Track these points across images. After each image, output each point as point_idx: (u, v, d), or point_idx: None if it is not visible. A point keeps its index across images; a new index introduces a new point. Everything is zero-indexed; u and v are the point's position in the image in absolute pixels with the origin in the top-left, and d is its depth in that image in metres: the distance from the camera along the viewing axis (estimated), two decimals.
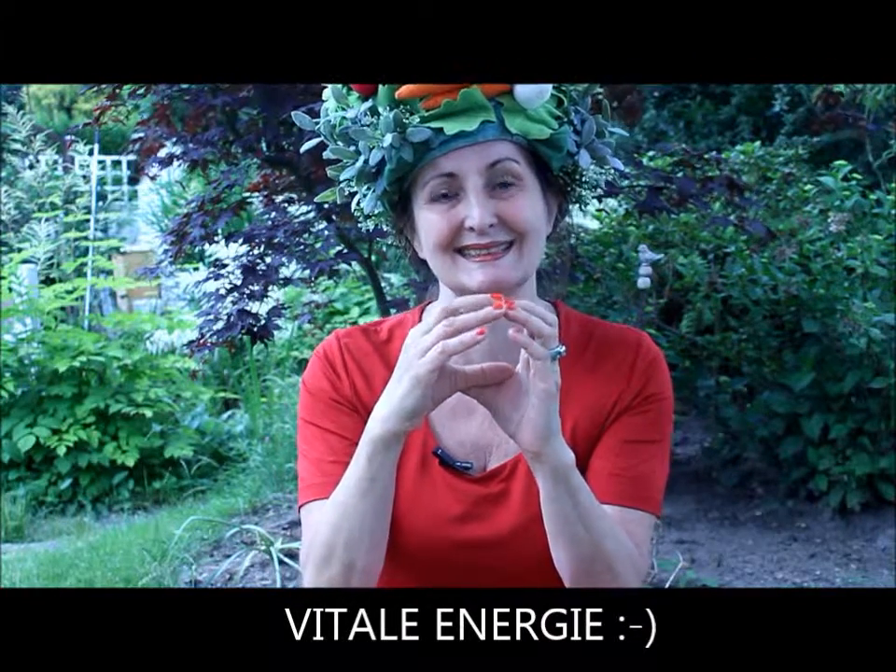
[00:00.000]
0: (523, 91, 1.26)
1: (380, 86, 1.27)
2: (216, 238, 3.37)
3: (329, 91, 1.33)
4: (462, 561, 1.37)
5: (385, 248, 3.64)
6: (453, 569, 1.37)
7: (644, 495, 1.38)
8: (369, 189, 1.34)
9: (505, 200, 1.28)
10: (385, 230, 1.42)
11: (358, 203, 1.36)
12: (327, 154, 1.34)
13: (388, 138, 1.26)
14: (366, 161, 1.29)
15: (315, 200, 1.46)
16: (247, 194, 3.64)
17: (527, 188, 1.30)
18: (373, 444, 1.26)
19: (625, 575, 1.31)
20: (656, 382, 1.39)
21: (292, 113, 1.38)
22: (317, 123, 1.34)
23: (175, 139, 3.40)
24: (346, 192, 1.38)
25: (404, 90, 1.26)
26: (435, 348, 1.19)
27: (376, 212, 1.37)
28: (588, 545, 1.28)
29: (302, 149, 1.40)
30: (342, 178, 1.34)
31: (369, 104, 1.29)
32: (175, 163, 3.40)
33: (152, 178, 3.86)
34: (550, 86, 1.27)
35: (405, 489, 1.38)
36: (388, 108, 1.27)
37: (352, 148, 1.31)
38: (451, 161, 1.27)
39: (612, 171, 1.36)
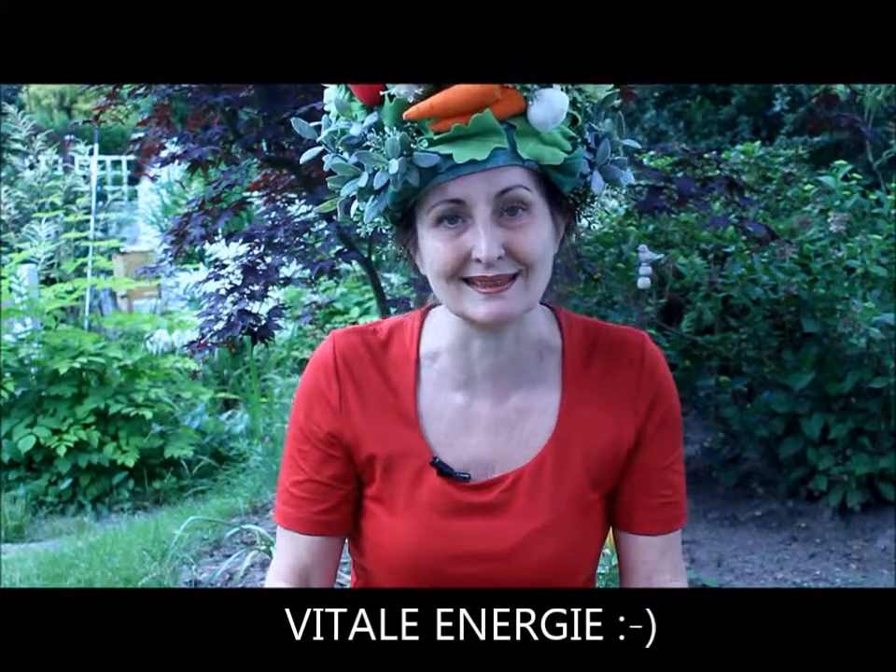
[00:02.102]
0: (537, 114, 1.21)
1: (386, 101, 1.22)
2: (216, 238, 3.38)
3: (330, 97, 1.29)
4: (461, 574, 1.34)
5: (385, 257, 3.64)
6: (451, 583, 1.34)
7: (680, 511, 1.41)
8: (370, 202, 1.29)
9: (513, 229, 1.24)
10: (384, 232, 1.38)
11: (359, 209, 1.31)
12: (327, 166, 1.29)
13: (395, 164, 1.21)
14: (370, 178, 1.25)
15: (316, 210, 1.43)
16: (247, 193, 3.65)
17: (536, 214, 1.25)
18: None
19: None
20: (666, 392, 1.38)
21: (291, 120, 1.32)
22: (318, 129, 1.30)
23: (175, 139, 3.41)
24: (345, 205, 1.33)
25: (412, 111, 1.20)
26: None
27: (376, 221, 1.33)
28: None
29: (302, 159, 1.34)
30: (342, 194, 1.29)
31: (374, 118, 1.24)
32: (176, 163, 3.40)
33: (153, 179, 3.87)
34: (565, 107, 1.22)
35: (399, 501, 1.36)
36: (395, 128, 1.22)
37: (353, 161, 1.26)
38: (459, 187, 1.22)
39: (625, 187, 1.33)
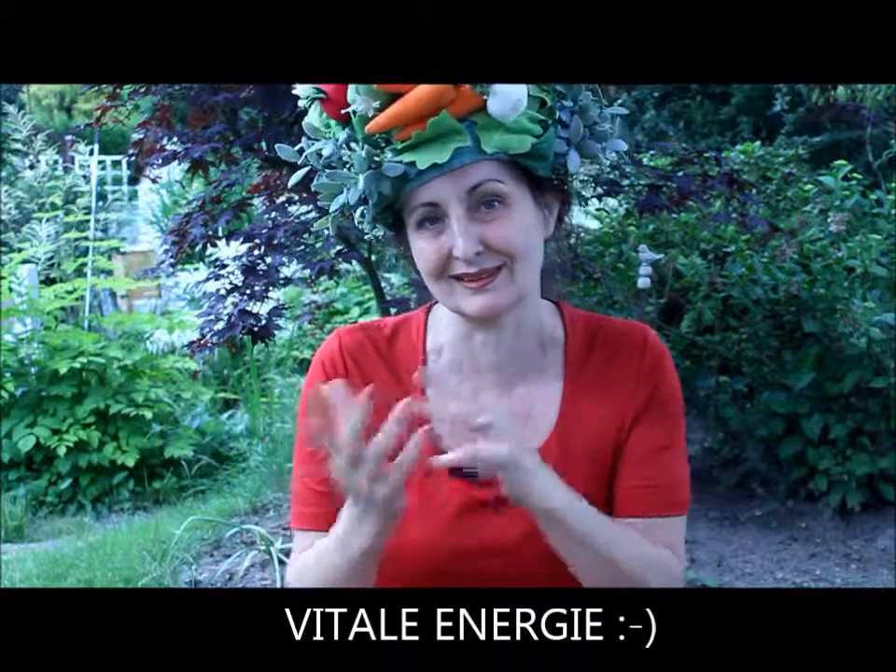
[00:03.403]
0: (496, 106, 1.21)
1: (352, 117, 1.25)
2: (217, 239, 3.37)
3: (308, 122, 1.30)
4: (472, 570, 1.34)
5: (386, 257, 3.64)
6: (459, 578, 1.34)
7: (675, 500, 1.39)
8: (362, 212, 1.31)
9: (489, 223, 1.25)
10: (385, 236, 1.40)
11: (363, 214, 1.33)
12: (314, 187, 1.31)
13: (361, 180, 1.24)
14: (347, 193, 1.28)
15: (315, 227, 1.44)
16: (249, 193, 3.64)
17: (514, 204, 1.26)
18: (358, 560, 1.26)
19: (657, 584, 1.32)
20: (665, 382, 1.38)
21: (276, 146, 1.36)
22: (301, 151, 1.31)
23: (175, 138, 3.40)
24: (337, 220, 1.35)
25: (372, 125, 1.23)
26: (395, 472, 1.18)
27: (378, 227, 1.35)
28: (607, 570, 1.28)
29: (290, 183, 1.37)
30: (331, 210, 1.32)
31: (345, 134, 1.26)
32: (176, 163, 3.40)
33: (153, 181, 3.86)
34: (524, 96, 1.22)
35: (407, 498, 1.35)
36: (362, 143, 1.24)
37: (336, 181, 1.29)
38: (429, 190, 1.24)
39: (609, 159, 1.32)
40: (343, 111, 1.25)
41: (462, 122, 1.22)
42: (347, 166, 1.27)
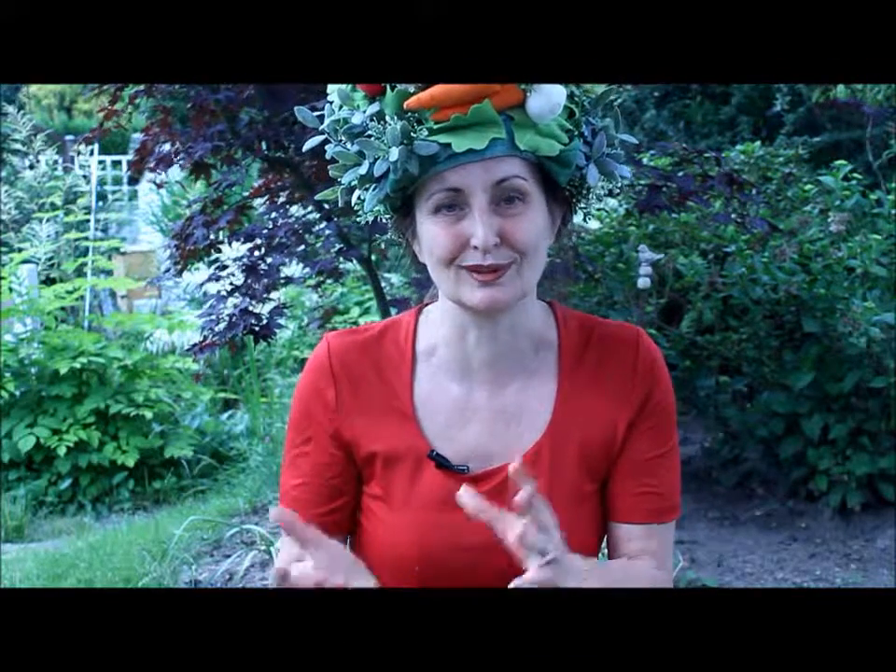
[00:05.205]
0: (535, 106, 1.23)
1: (388, 91, 1.25)
2: (218, 243, 3.37)
3: (333, 87, 1.31)
4: (461, 566, 1.35)
5: (384, 246, 3.64)
6: (455, 576, 1.34)
7: (669, 505, 1.40)
8: (371, 189, 1.31)
9: (509, 217, 1.26)
10: (384, 221, 1.40)
11: (360, 198, 1.34)
12: (329, 154, 1.31)
13: (395, 153, 1.24)
14: (371, 166, 1.27)
15: (317, 198, 1.44)
16: (250, 197, 3.64)
17: (532, 203, 1.28)
18: None
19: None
20: (659, 386, 1.39)
21: (295, 108, 1.35)
22: (321, 119, 1.32)
23: (177, 143, 3.40)
24: (347, 193, 1.36)
25: (413, 101, 1.23)
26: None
27: (377, 209, 1.35)
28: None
29: (305, 147, 1.37)
30: (343, 181, 1.32)
31: (375, 107, 1.27)
32: (177, 164, 3.40)
33: (160, 186, 3.86)
34: (563, 100, 1.25)
35: (398, 497, 1.37)
36: (396, 117, 1.25)
37: (355, 150, 1.29)
38: (457, 175, 1.25)
39: (620, 180, 1.34)
40: (380, 83, 1.25)
41: (500, 115, 1.24)
42: (372, 139, 1.26)
